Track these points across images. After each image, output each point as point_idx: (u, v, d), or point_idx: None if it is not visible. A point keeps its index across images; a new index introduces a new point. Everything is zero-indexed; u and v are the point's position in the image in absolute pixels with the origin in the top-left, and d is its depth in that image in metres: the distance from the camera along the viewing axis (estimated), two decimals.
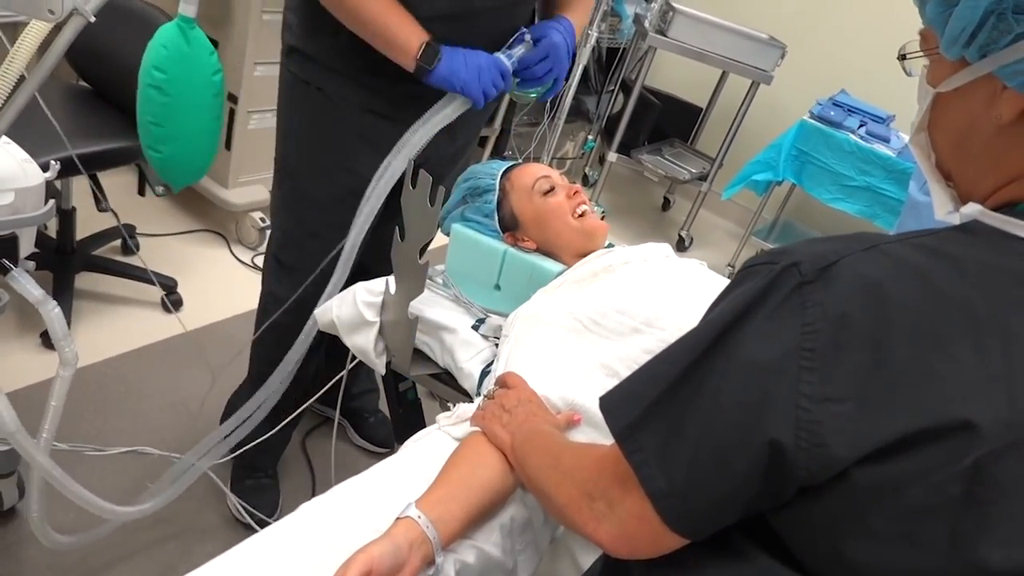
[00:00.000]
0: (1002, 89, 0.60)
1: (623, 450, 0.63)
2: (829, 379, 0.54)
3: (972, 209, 0.62)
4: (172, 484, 1.45)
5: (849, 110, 3.14)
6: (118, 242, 2.45)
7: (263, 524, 1.58)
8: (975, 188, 0.65)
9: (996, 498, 0.53)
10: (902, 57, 0.71)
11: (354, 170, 1.34)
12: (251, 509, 1.60)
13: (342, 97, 1.36)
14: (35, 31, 1.03)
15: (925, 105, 0.68)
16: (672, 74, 3.93)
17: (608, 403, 0.66)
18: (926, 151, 0.70)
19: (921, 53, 0.67)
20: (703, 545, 0.63)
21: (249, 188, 2.65)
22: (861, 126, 3.07)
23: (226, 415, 1.68)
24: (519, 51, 1.29)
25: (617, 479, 0.65)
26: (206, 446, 1.45)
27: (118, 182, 2.46)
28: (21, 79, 1.03)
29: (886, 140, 3.02)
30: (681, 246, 3.64)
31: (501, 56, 1.27)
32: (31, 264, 1.13)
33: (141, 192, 2.49)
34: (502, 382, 1.04)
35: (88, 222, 2.24)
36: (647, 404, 0.62)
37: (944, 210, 0.69)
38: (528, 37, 1.29)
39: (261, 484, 1.75)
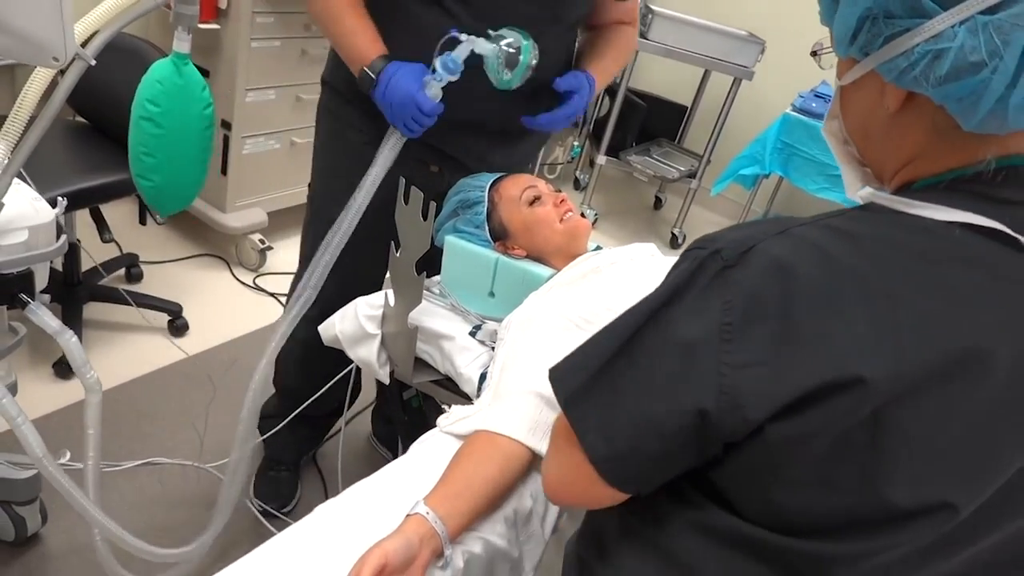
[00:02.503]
0: (885, 83, 0.66)
1: (568, 418, 0.70)
2: (744, 348, 0.61)
3: (865, 192, 0.70)
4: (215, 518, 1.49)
5: (830, 101, 3.19)
6: (122, 271, 2.51)
7: (272, 514, 1.65)
8: (883, 169, 0.73)
9: (897, 443, 0.60)
10: (814, 53, 0.77)
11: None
12: (261, 503, 1.69)
13: (351, 125, 1.44)
14: (40, 77, 1.09)
15: (835, 96, 0.75)
16: (655, 75, 3.99)
17: (555, 373, 0.73)
18: (839, 137, 0.77)
19: (830, 49, 0.73)
20: (665, 500, 0.71)
21: (246, 211, 2.70)
22: None
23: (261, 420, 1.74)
24: (456, 55, 1.20)
25: (564, 432, 0.72)
26: (232, 471, 1.50)
27: (119, 212, 2.51)
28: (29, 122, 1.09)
29: None
30: (675, 243, 3.69)
31: (425, 87, 1.22)
32: (47, 297, 1.18)
33: (142, 221, 2.54)
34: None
35: (92, 253, 2.30)
36: (588, 376, 0.69)
37: (853, 189, 0.76)
38: (460, 35, 1.20)
39: (280, 476, 1.86)
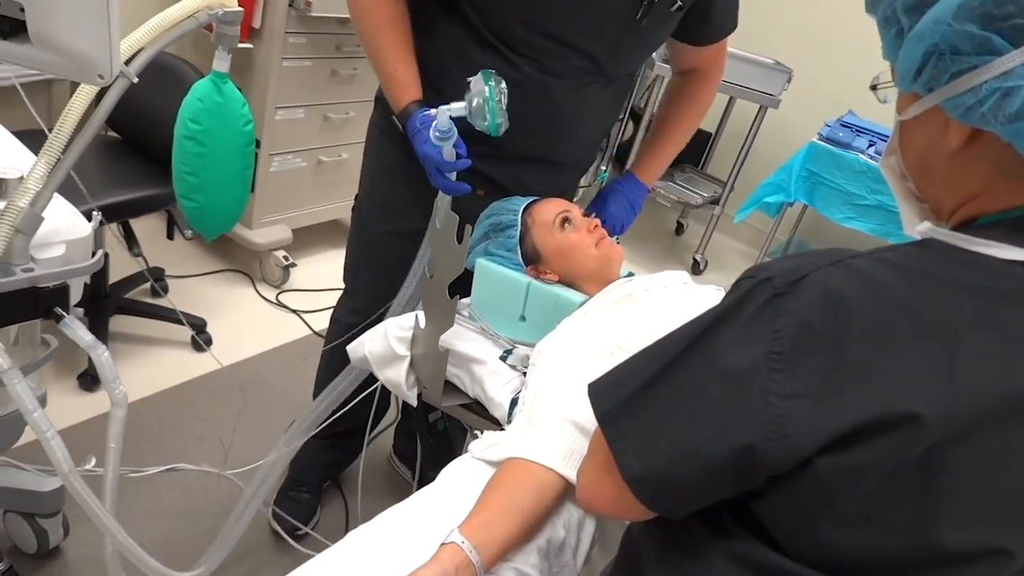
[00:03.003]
0: (949, 119, 0.65)
1: (605, 435, 0.70)
2: (794, 379, 0.60)
3: (924, 227, 0.69)
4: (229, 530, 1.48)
5: (857, 130, 3.18)
6: (148, 284, 2.53)
7: (293, 531, 1.64)
8: (942, 206, 0.71)
9: (950, 485, 0.59)
10: (873, 87, 0.76)
11: (403, 213, 1.40)
12: (283, 515, 1.68)
13: (398, 143, 1.44)
14: (84, 94, 1.10)
15: (894, 131, 0.74)
16: None
17: (594, 389, 0.72)
18: (897, 173, 0.75)
19: (890, 83, 0.72)
20: (705, 531, 0.69)
21: (272, 228, 2.72)
22: (870, 146, 3.11)
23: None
24: (437, 122, 1.22)
25: (601, 445, 0.72)
26: (255, 484, 1.50)
27: (147, 227, 2.54)
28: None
29: None
30: (696, 269, 3.68)
31: (436, 142, 1.24)
32: (80, 311, 1.18)
33: (170, 236, 2.57)
34: None
35: (119, 266, 2.31)
36: (628, 394, 0.68)
37: (911, 226, 0.75)
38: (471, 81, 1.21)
39: (301, 497, 1.87)
